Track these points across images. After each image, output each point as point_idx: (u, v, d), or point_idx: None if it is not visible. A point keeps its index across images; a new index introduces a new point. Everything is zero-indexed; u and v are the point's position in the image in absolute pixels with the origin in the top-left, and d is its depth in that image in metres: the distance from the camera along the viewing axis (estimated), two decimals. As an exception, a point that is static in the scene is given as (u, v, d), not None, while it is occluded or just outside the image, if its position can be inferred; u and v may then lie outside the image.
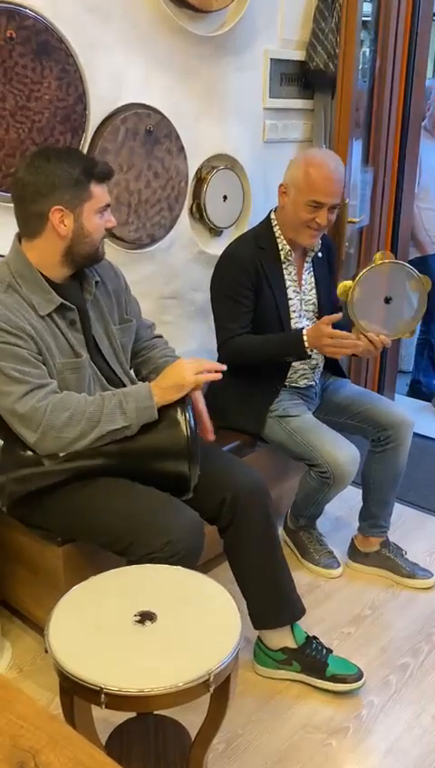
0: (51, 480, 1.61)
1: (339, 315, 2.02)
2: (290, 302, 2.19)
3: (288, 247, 2.17)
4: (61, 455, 1.56)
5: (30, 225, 1.60)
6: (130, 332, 1.84)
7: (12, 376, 1.51)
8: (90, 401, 1.56)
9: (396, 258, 2.18)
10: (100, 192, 1.61)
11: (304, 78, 2.74)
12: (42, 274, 1.61)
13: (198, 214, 2.49)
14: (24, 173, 1.57)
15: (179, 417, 1.60)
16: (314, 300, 2.25)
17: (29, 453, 1.58)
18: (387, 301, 2.09)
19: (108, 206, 1.64)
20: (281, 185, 2.12)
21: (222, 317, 2.16)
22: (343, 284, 2.08)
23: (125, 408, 1.56)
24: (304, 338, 2.02)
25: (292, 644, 1.80)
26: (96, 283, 1.74)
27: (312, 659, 1.80)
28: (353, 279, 2.08)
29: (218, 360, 2.24)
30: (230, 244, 2.24)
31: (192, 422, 1.60)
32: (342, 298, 2.10)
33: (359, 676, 1.79)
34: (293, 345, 2.06)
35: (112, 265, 1.83)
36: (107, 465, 1.61)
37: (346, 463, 2.03)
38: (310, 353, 2.06)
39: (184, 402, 1.62)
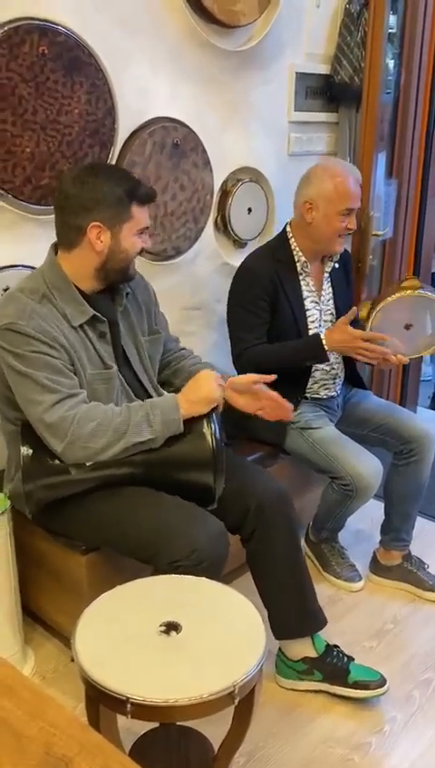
0: (78, 488, 1.63)
1: (354, 311, 2.03)
2: (308, 313, 2.20)
3: (304, 259, 2.18)
4: (87, 464, 1.58)
5: (67, 236, 1.63)
6: (158, 344, 1.86)
7: (44, 384, 1.53)
8: (117, 412, 1.58)
9: (419, 279, 2.19)
10: (140, 214, 1.63)
11: (329, 91, 2.76)
12: (75, 286, 1.63)
13: (223, 226, 2.51)
14: (69, 185, 1.60)
15: (205, 428, 1.61)
16: (333, 310, 2.26)
17: (57, 461, 1.59)
18: (407, 327, 2.11)
19: (147, 228, 1.66)
20: (306, 201, 2.12)
21: (238, 328, 2.17)
22: (366, 306, 2.09)
23: (152, 421, 1.57)
24: (323, 339, 2.03)
25: (312, 653, 1.80)
26: (127, 294, 1.77)
27: (333, 667, 1.79)
28: (376, 304, 2.09)
29: (236, 372, 2.25)
30: (247, 258, 2.25)
31: (218, 433, 1.61)
32: (361, 317, 2.11)
33: (382, 682, 1.78)
34: (311, 348, 2.07)
35: (143, 278, 1.86)
36: (133, 474, 1.62)
37: (369, 476, 2.03)
38: (329, 356, 2.06)
39: (210, 414, 1.63)
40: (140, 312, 1.81)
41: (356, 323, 2.07)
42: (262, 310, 2.14)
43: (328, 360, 2.12)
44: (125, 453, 1.57)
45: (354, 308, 2.05)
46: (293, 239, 2.20)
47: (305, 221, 2.14)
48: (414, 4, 2.71)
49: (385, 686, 1.78)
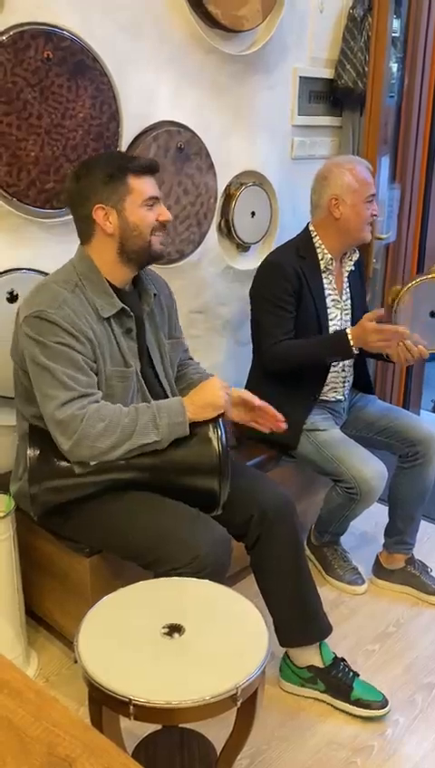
0: (83, 492, 1.63)
1: (380, 312, 2.03)
2: (329, 311, 2.21)
3: (329, 257, 2.19)
4: (91, 463, 1.58)
5: (82, 230, 1.67)
6: (178, 349, 1.89)
7: (61, 380, 1.53)
8: (125, 413, 1.58)
9: None
10: (140, 185, 1.63)
11: (333, 95, 2.76)
12: (106, 280, 1.66)
13: (226, 230, 2.52)
14: (69, 182, 1.66)
15: (211, 433, 1.62)
16: (349, 311, 2.27)
17: (63, 463, 1.60)
18: (432, 315, 2.10)
19: (155, 198, 1.66)
20: (332, 198, 2.15)
21: (267, 324, 2.17)
22: (394, 289, 2.09)
23: (158, 423, 1.58)
24: (349, 336, 2.04)
25: (319, 663, 1.79)
26: (154, 295, 1.79)
27: (337, 681, 1.78)
28: (404, 286, 2.09)
29: (262, 367, 2.26)
30: (271, 253, 2.27)
31: (224, 438, 1.61)
32: (388, 302, 2.11)
33: (384, 703, 1.77)
34: (338, 345, 2.07)
35: (167, 284, 1.89)
36: (139, 478, 1.62)
37: (373, 479, 2.03)
38: (355, 351, 2.06)
39: (216, 419, 1.63)
40: (163, 316, 1.83)
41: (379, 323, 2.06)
42: (289, 305, 2.15)
43: (354, 357, 2.11)
44: (130, 454, 1.57)
45: (382, 310, 2.05)
46: (317, 238, 2.21)
47: (333, 217, 2.16)
48: (418, 9, 2.72)
49: (386, 708, 1.77)
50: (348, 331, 2.04)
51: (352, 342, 2.03)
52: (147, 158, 1.67)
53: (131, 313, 1.69)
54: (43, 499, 1.62)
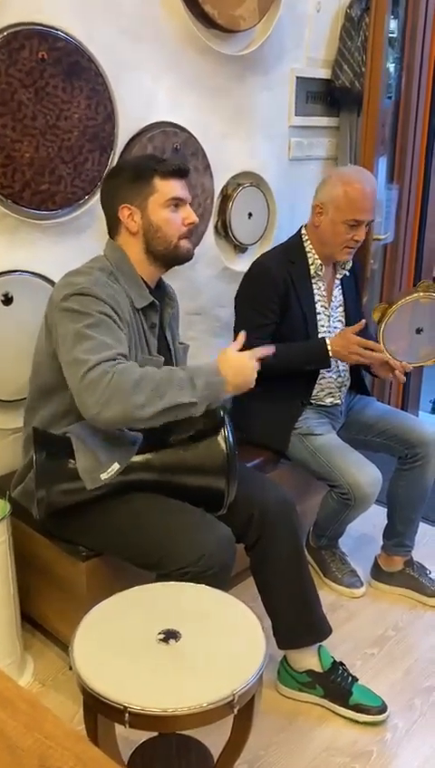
0: (91, 494, 1.60)
1: (362, 324, 2.03)
2: (318, 317, 2.19)
3: (319, 262, 2.17)
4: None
5: (110, 227, 1.71)
6: (186, 354, 1.90)
7: (96, 345, 1.47)
8: (158, 370, 1.51)
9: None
10: (165, 187, 1.65)
11: (330, 96, 2.76)
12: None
13: (224, 231, 2.51)
14: (103, 184, 1.74)
15: (219, 434, 1.61)
16: (342, 317, 2.25)
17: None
18: (418, 331, 2.10)
19: (179, 199, 1.66)
20: (317, 204, 2.11)
21: (243, 326, 2.14)
22: (381, 306, 2.09)
23: (195, 383, 1.49)
24: (328, 346, 2.03)
25: (317, 668, 1.78)
26: (172, 301, 1.83)
27: (336, 686, 1.77)
28: (391, 304, 2.08)
29: None
30: (260, 256, 2.25)
31: (231, 438, 1.61)
32: (375, 318, 2.10)
33: (383, 708, 1.76)
34: (316, 353, 2.07)
35: (175, 295, 1.89)
36: (147, 479, 1.61)
37: (368, 485, 2.01)
38: (332, 362, 2.06)
39: (223, 420, 1.63)
40: (175, 323, 1.87)
41: (364, 333, 2.06)
42: (270, 311, 2.13)
43: (330, 366, 2.11)
44: (165, 416, 1.47)
45: (363, 321, 2.06)
46: (308, 242, 2.19)
47: (314, 224, 2.14)
48: (415, 9, 2.71)
49: (385, 714, 1.75)
50: (328, 340, 2.04)
51: (330, 352, 2.03)
52: (177, 160, 1.67)
53: (157, 309, 1.71)
54: (49, 501, 1.60)
